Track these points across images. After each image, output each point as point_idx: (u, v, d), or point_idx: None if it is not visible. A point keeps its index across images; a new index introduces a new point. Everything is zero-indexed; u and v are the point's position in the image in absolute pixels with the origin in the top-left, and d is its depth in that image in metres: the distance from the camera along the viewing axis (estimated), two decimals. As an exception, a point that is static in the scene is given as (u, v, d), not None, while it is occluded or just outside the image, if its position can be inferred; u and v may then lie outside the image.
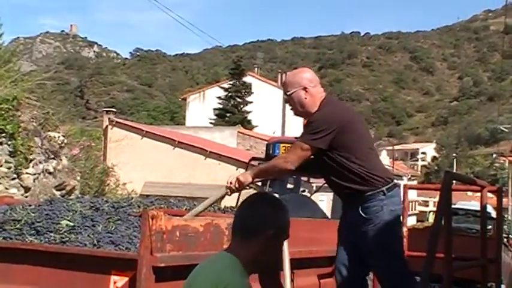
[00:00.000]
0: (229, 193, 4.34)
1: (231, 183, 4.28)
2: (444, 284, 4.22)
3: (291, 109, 4.48)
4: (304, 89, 4.34)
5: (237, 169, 23.47)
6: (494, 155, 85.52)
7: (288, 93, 4.39)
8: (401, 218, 4.52)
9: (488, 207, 9.23)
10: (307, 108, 4.35)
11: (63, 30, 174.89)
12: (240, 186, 4.28)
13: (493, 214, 10.41)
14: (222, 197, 4.47)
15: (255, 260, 2.59)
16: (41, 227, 4.07)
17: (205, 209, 4.44)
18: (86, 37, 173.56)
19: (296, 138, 4.41)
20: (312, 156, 4.25)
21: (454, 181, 5.29)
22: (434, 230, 4.10)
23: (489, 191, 5.86)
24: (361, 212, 4.27)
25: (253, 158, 9.79)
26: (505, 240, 14.22)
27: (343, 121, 4.24)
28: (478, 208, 6.02)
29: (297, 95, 4.35)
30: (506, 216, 25.04)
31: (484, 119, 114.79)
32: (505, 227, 16.55)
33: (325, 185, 8.21)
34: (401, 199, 4.50)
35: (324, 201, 22.00)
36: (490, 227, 9.46)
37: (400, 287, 4.29)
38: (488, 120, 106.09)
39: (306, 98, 4.34)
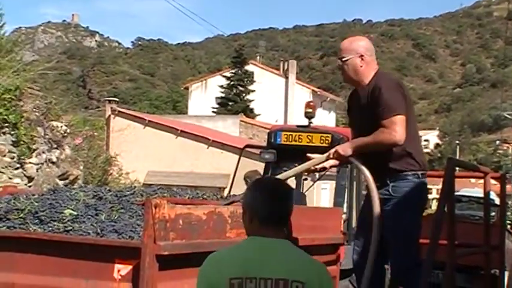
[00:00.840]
0: (328, 159, 4.34)
1: (328, 153, 4.30)
2: (447, 271, 4.23)
3: (342, 74, 4.42)
4: (361, 56, 4.30)
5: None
6: (497, 142, 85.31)
7: (344, 59, 4.33)
8: (424, 204, 4.52)
9: (492, 194, 9.22)
10: (360, 77, 4.31)
11: (64, 20, 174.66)
12: (339, 157, 4.25)
13: (497, 201, 10.40)
14: (320, 163, 4.42)
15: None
16: (45, 216, 4.08)
17: (296, 174, 4.59)
18: (87, 26, 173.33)
19: (385, 116, 4.17)
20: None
21: (457, 168, 5.29)
22: (437, 217, 4.11)
23: (492, 178, 5.86)
24: (390, 189, 4.27)
25: (248, 146, 9.80)
26: (509, 227, 14.22)
27: (407, 96, 4.30)
28: (482, 195, 6.01)
29: (352, 61, 4.31)
30: (509, 202, 25.03)
31: (487, 106, 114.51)
32: (508, 213, 16.56)
33: (328, 172, 8.26)
34: (427, 186, 4.47)
35: (327, 189, 22.03)
36: (493, 213, 9.46)
37: (408, 273, 4.27)
38: (492, 107, 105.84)
39: (361, 66, 4.31)
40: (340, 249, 5.40)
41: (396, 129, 4.14)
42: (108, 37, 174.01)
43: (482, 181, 5.57)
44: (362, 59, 4.30)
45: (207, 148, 25.82)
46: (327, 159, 4.35)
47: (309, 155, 4.59)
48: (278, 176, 4.25)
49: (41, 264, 3.68)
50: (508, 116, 58.99)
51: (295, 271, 2.68)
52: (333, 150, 4.28)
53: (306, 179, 9.05)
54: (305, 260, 2.78)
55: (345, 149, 4.22)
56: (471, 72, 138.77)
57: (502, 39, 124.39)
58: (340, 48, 4.42)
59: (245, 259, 2.73)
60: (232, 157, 24.27)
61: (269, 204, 2.80)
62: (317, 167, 4.49)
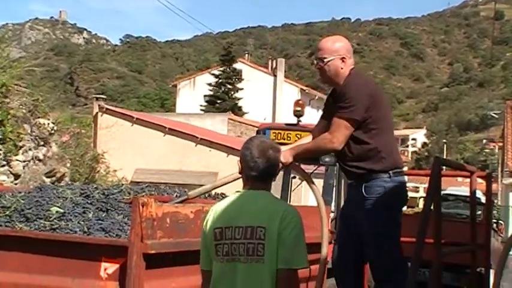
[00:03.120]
0: None
1: None
2: (434, 269, 4.25)
3: (320, 75, 4.36)
4: (342, 58, 4.27)
5: (227, 155, 23.48)
6: (484, 141, 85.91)
7: (325, 60, 4.27)
8: (403, 203, 4.47)
9: (478, 193, 9.29)
10: (339, 79, 4.27)
11: (52, 17, 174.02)
12: (282, 165, 4.11)
13: (483, 199, 10.47)
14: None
15: (269, 191, 3.23)
16: (31, 213, 4.06)
17: (223, 185, 4.37)
18: (75, 23, 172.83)
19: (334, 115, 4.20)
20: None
21: (443, 167, 5.31)
22: (423, 215, 4.12)
23: (478, 177, 5.89)
24: (363, 190, 4.25)
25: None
26: (495, 225, 14.31)
27: (374, 94, 4.23)
28: (468, 194, 6.04)
29: (334, 63, 4.26)
30: (495, 201, 25.19)
31: (474, 105, 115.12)
32: (494, 212, 16.66)
33: (316, 171, 8.26)
34: (405, 184, 4.44)
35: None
36: (479, 212, 9.52)
37: (390, 272, 4.25)
38: (478, 106, 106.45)
39: (342, 69, 4.27)
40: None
41: (337, 135, 4.16)
42: (96, 34, 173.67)
43: (468, 180, 5.59)
44: (343, 61, 4.27)
45: (195, 146, 25.75)
46: None
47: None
48: (193, 192, 4.21)
49: (27, 262, 3.66)
50: (494, 115, 59.34)
51: (261, 218, 3.04)
52: None
53: (294, 177, 9.05)
54: (272, 207, 3.10)
55: (286, 155, 4.09)
56: (458, 72, 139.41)
57: (489, 39, 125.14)
58: (320, 48, 4.35)
59: (228, 210, 3.16)
60: (221, 155, 24.27)
61: (254, 161, 3.17)
62: None
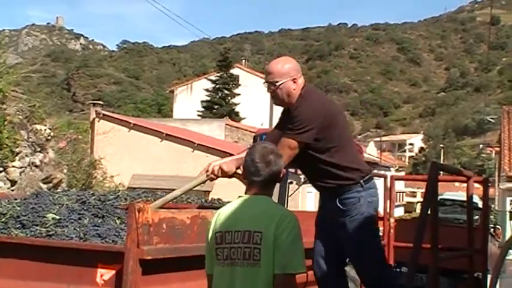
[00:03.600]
0: (210, 180, 4.25)
1: (212, 170, 4.17)
2: (431, 274, 4.24)
3: (273, 98, 4.35)
4: (293, 80, 4.26)
5: (224, 161, 23.45)
6: (481, 146, 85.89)
7: (277, 83, 4.26)
8: (377, 208, 4.50)
9: (475, 198, 9.27)
10: (291, 99, 4.27)
11: (49, 23, 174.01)
12: (223, 175, 4.19)
13: (480, 204, 10.47)
14: (202, 183, 4.31)
15: (271, 196, 3.32)
16: (27, 220, 4.05)
17: (183, 193, 4.40)
18: (72, 29, 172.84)
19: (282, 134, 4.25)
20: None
21: (441, 172, 5.31)
22: (420, 220, 4.12)
23: (475, 182, 5.88)
24: (338, 203, 4.26)
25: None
26: (492, 230, 14.30)
27: (328, 114, 4.21)
28: (465, 198, 6.04)
29: (286, 85, 4.24)
30: (492, 206, 25.19)
31: (470, 110, 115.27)
32: (491, 217, 16.66)
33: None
34: (377, 190, 4.49)
35: (312, 192, 22.06)
36: (476, 217, 9.52)
37: (379, 278, 4.28)
38: (475, 111, 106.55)
39: (294, 90, 4.27)
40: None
41: (281, 152, 4.08)
42: (93, 40, 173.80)
43: (465, 185, 5.59)
44: (294, 82, 4.27)
45: (192, 151, 25.75)
46: (209, 178, 4.23)
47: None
48: (158, 201, 4.14)
49: (23, 269, 3.65)
50: (491, 120, 59.39)
51: (258, 223, 3.10)
52: (216, 167, 4.17)
53: (291, 183, 9.03)
54: (269, 212, 3.16)
55: (230, 166, 4.16)
56: (455, 77, 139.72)
57: (485, 43, 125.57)
58: (271, 71, 4.31)
59: (229, 215, 3.23)
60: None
61: (255, 166, 3.28)
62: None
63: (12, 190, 9.28)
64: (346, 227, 4.24)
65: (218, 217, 3.28)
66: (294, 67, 4.33)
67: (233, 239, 3.12)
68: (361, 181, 4.27)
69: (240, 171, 4.15)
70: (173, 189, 4.42)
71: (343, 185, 4.25)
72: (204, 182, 4.28)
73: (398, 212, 31.08)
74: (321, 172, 4.28)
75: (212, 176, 4.19)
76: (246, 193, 3.31)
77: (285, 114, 4.46)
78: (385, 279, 4.30)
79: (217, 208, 3.59)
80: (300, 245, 3.13)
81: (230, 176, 4.26)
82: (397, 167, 51.30)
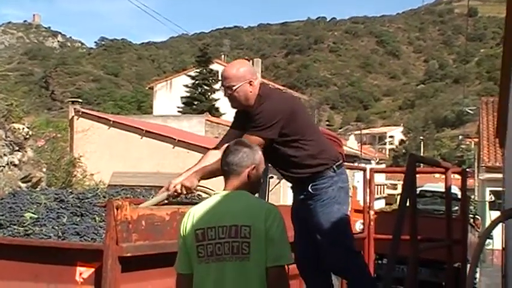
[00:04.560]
0: (170, 199, 4.19)
1: (175, 190, 4.13)
2: (410, 266, 4.27)
3: (231, 101, 4.39)
4: (250, 82, 4.31)
5: (205, 157, 23.42)
6: (460, 137, 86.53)
7: (234, 87, 4.29)
8: (349, 195, 4.59)
9: (455, 189, 9.35)
10: (249, 102, 4.33)
11: (25, 20, 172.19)
12: (188, 191, 4.19)
13: (459, 195, 10.54)
14: (161, 202, 4.17)
15: (250, 189, 3.30)
16: (4, 220, 4.02)
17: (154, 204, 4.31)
18: (49, 27, 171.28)
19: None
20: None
21: (421, 164, 5.35)
22: (399, 212, 4.14)
23: (454, 173, 5.93)
24: (310, 189, 4.35)
25: None
26: (471, 220, 14.41)
27: (288, 110, 4.28)
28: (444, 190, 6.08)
29: (242, 88, 4.29)
30: (472, 197, 25.38)
31: (449, 102, 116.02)
32: (471, 207, 16.77)
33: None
34: (347, 177, 4.56)
35: (293, 186, 22.11)
36: (456, 208, 9.59)
37: (345, 263, 4.34)
38: (454, 103, 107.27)
39: (251, 92, 4.31)
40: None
41: None
42: (70, 37, 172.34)
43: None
44: (251, 84, 4.32)
45: (173, 148, 25.68)
46: (172, 195, 4.18)
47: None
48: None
49: (1, 268, 3.62)
50: (470, 111, 59.76)
51: (245, 217, 3.10)
52: (178, 186, 4.13)
53: (272, 177, 9.05)
54: (254, 207, 3.18)
55: (192, 180, 4.16)
56: (434, 69, 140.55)
57: (463, 35, 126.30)
58: (227, 76, 4.35)
59: (209, 211, 3.21)
60: (199, 157, 24.13)
61: (224, 162, 3.33)
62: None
63: (-9, 190, 9.18)
64: (315, 210, 4.33)
65: (193, 215, 3.23)
66: (249, 70, 4.39)
67: (217, 234, 3.10)
68: (334, 166, 4.38)
69: (201, 183, 4.22)
70: (154, 186, 4.42)
71: (316, 172, 4.34)
72: (165, 199, 4.18)
73: (380, 205, 31.24)
74: (292, 164, 4.36)
75: (175, 194, 4.16)
76: (225, 189, 3.30)
77: (241, 114, 4.52)
78: (353, 266, 4.36)
79: (196, 203, 3.58)
80: (286, 236, 3.16)
81: (193, 190, 4.26)
82: (377, 160, 51.45)
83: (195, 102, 45.61)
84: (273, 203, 3.33)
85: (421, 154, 59.03)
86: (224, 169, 3.32)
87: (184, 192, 4.18)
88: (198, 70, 46.97)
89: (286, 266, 3.16)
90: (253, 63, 44.83)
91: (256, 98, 4.33)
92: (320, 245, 4.38)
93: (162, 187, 4.32)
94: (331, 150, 4.52)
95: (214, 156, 4.28)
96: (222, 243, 3.09)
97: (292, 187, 4.63)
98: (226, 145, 3.46)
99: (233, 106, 4.49)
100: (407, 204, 4.22)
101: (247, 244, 3.06)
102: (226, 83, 4.34)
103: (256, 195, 3.48)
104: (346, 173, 4.53)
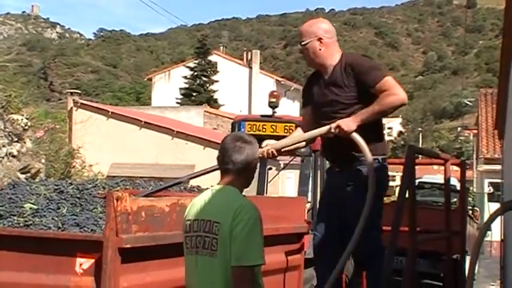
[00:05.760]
0: (329, 134, 4.20)
1: (262, 152, 4.18)
2: (409, 257, 4.27)
3: (305, 58, 4.38)
4: (319, 39, 4.26)
5: (204, 148, 23.46)
6: (459, 129, 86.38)
7: (303, 43, 4.28)
8: (385, 191, 4.50)
9: (454, 180, 9.36)
10: (321, 59, 4.28)
11: (24, 11, 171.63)
12: (341, 133, 4.11)
13: (458, 187, 10.56)
14: (320, 135, 4.31)
15: (241, 185, 3.26)
16: (4, 211, 4.02)
17: (294, 143, 4.41)
18: (48, 18, 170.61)
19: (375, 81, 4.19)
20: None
21: (419, 156, 5.34)
22: (398, 204, 4.14)
23: (453, 164, 5.93)
24: (352, 173, 4.27)
25: None
26: (470, 212, 14.45)
27: None
28: (443, 181, 6.08)
29: (311, 45, 4.26)
30: (471, 188, 25.41)
31: (448, 93, 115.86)
32: (470, 199, 16.82)
33: (292, 162, 8.28)
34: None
35: (292, 178, 22.10)
36: (455, 199, 9.60)
37: (374, 257, 4.31)
38: (453, 94, 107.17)
39: (320, 49, 4.26)
40: (304, 238, 5.42)
41: (397, 90, 4.16)
42: (69, 28, 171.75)
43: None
44: (321, 42, 4.27)
45: (172, 139, 25.67)
46: (327, 133, 4.20)
47: (267, 141, 4.45)
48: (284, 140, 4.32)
49: (1, 259, 3.63)
50: (468, 103, 59.80)
51: (217, 213, 3.11)
52: (334, 124, 4.12)
53: (270, 169, 9.05)
54: (229, 203, 3.12)
55: (349, 124, 4.08)
56: (432, 60, 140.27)
57: (462, 27, 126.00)
58: (300, 32, 4.37)
59: (198, 204, 3.25)
60: (197, 148, 24.21)
61: (220, 156, 3.27)
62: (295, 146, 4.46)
63: (-10, 181, 9.18)
64: (352, 197, 4.26)
65: (191, 206, 3.30)
66: (322, 27, 4.34)
67: (199, 227, 3.14)
68: (380, 158, 4.35)
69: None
70: (153, 177, 4.44)
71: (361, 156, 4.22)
72: (321, 135, 4.32)
73: (378, 196, 31.19)
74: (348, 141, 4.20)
75: (332, 131, 4.17)
76: (218, 183, 3.28)
77: (308, 88, 4.49)
78: (377, 260, 4.28)
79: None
80: (257, 237, 3.07)
81: (347, 137, 4.16)
82: (376, 151, 51.35)
83: (194, 94, 45.54)
84: (251, 201, 3.20)
85: (420, 145, 59.03)
86: (227, 167, 3.23)
87: (337, 132, 4.13)
88: (196, 61, 46.86)
89: (252, 268, 3.05)
90: (251, 55, 44.77)
91: (341, 58, 4.28)
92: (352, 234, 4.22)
93: (160, 178, 4.35)
94: (383, 142, 4.59)
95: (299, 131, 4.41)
96: (200, 237, 3.12)
97: (329, 169, 4.57)
98: (229, 136, 3.38)
99: (308, 64, 4.45)
100: (406, 195, 4.21)
101: (216, 241, 3.06)
102: (299, 38, 4.35)
103: (254, 187, 3.49)
104: (386, 169, 4.55)
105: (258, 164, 8.33)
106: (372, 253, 4.31)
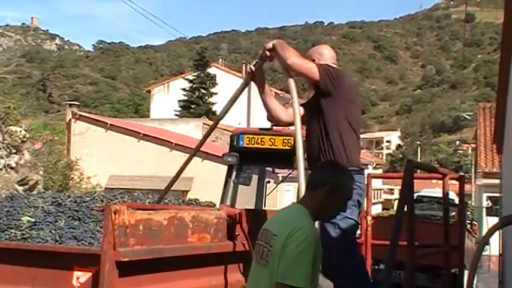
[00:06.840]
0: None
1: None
2: (407, 271, 4.26)
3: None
4: (313, 60, 4.83)
5: (202, 160, 23.42)
6: (457, 142, 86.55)
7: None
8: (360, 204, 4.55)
9: (452, 194, 9.36)
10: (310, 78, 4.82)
11: (24, 23, 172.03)
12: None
13: (457, 201, 10.55)
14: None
15: (318, 210, 3.29)
16: (1, 223, 4.01)
17: None
18: (47, 30, 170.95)
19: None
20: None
21: (418, 170, 5.34)
22: (397, 218, 4.13)
23: (452, 179, 5.92)
24: None
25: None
26: (469, 226, 14.43)
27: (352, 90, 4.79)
28: (442, 195, 6.08)
29: None
30: (469, 202, 25.39)
31: (447, 107, 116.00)
32: (468, 213, 16.78)
33: (291, 175, 8.24)
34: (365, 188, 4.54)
35: (291, 191, 22.08)
36: (453, 213, 9.59)
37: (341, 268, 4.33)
38: (451, 108, 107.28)
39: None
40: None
41: (315, 70, 4.66)
42: (68, 40, 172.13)
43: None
44: (313, 62, 4.81)
45: (170, 151, 25.64)
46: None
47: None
48: None
49: (-2, 272, 3.61)
50: (467, 116, 59.92)
51: (278, 226, 3.20)
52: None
53: (269, 182, 9.03)
54: (289, 220, 3.20)
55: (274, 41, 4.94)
56: (431, 74, 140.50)
57: (460, 41, 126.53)
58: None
59: (274, 215, 3.46)
60: (195, 160, 24.12)
61: (312, 175, 3.51)
62: None
63: (-12, 193, 9.16)
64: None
65: (271, 216, 3.54)
66: (316, 50, 5.02)
67: (263, 237, 3.26)
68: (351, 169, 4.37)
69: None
70: (151, 190, 4.44)
71: None
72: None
73: (377, 209, 31.23)
74: (324, 146, 4.61)
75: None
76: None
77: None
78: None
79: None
80: (306, 260, 3.06)
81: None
82: (374, 165, 51.45)
83: (193, 106, 45.59)
84: (314, 227, 3.31)
85: (418, 159, 59.02)
86: (307, 185, 3.46)
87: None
88: (195, 74, 46.94)
89: None
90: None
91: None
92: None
93: (159, 190, 4.34)
94: (356, 153, 4.85)
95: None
96: (262, 246, 3.24)
97: None
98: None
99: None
100: (405, 209, 4.21)
101: (270, 253, 3.14)
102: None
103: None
104: (361, 182, 4.76)
105: (256, 177, 8.30)
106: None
